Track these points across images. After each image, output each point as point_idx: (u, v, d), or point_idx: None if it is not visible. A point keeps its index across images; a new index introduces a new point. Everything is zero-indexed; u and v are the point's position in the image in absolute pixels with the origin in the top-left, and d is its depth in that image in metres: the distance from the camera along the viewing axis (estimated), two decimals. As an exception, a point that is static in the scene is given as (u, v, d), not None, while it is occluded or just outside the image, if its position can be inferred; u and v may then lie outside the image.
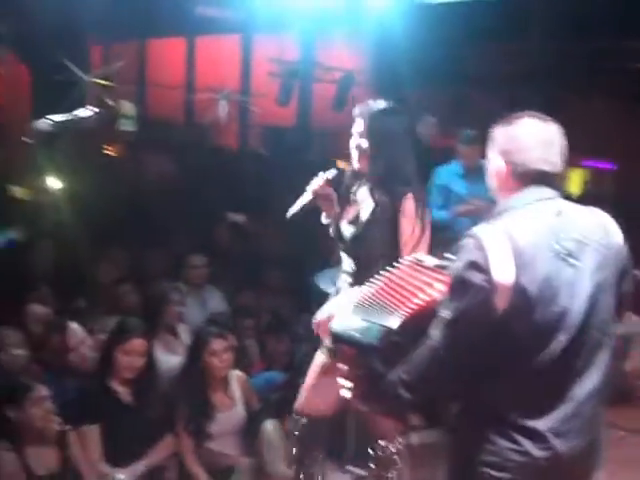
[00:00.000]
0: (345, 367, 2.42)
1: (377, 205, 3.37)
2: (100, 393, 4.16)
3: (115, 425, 4.10)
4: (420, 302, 2.32)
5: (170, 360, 4.80)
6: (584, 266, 2.28)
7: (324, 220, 3.62)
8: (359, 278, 3.35)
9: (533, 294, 2.20)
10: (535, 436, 2.23)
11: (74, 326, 4.51)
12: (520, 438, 2.23)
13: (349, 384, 2.42)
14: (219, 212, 7.91)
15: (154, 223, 7.17)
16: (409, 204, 3.33)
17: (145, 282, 5.98)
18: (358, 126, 3.44)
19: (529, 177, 2.35)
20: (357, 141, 3.44)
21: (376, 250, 3.34)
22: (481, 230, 2.27)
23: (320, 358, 3.54)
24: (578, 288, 2.26)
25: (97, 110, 2.99)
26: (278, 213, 3.90)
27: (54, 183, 5.36)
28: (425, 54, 8.99)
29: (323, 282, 4.99)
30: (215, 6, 9.43)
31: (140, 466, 4.15)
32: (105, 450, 4.10)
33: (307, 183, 3.56)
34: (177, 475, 4.33)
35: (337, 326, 2.47)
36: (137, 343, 4.25)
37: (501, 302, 2.17)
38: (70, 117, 3.00)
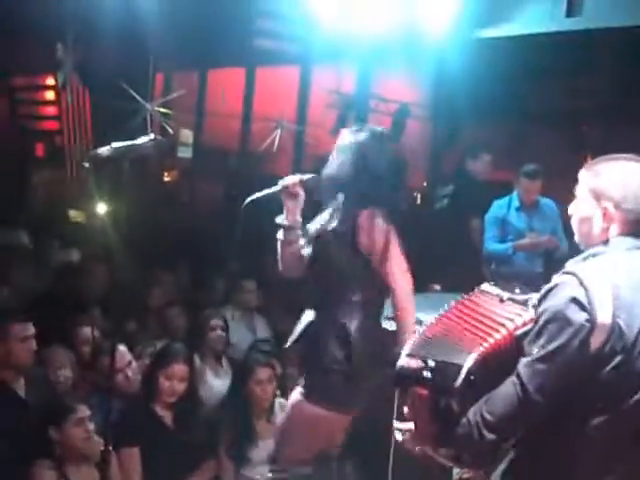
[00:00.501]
0: (415, 410, 2.29)
1: (335, 218, 3.47)
2: (143, 415, 4.19)
3: (156, 447, 4.12)
4: (500, 338, 2.22)
5: (217, 385, 4.81)
6: None
7: (277, 219, 3.61)
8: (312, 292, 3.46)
9: (630, 339, 2.14)
10: None
11: (122, 348, 4.55)
12: None
13: (414, 427, 2.31)
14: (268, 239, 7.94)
15: (206, 249, 7.24)
16: (367, 219, 3.43)
17: (194, 307, 6.03)
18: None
19: (632, 223, 2.29)
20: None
21: (332, 264, 3.44)
22: (579, 268, 2.22)
23: (295, 397, 3.53)
24: None
25: (155, 137, 3.04)
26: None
27: (109, 207, 5.45)
28: (483, 89, 8.95)
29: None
30: (275, 38, 9.55)
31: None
32: (145, 472, 4.12)
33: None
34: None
35: (405, 364, 2.30)
36: (178, 369, 4.29)
37: (597, 341, 2.12)
38: (130, 144, 3.06)
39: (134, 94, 6.57)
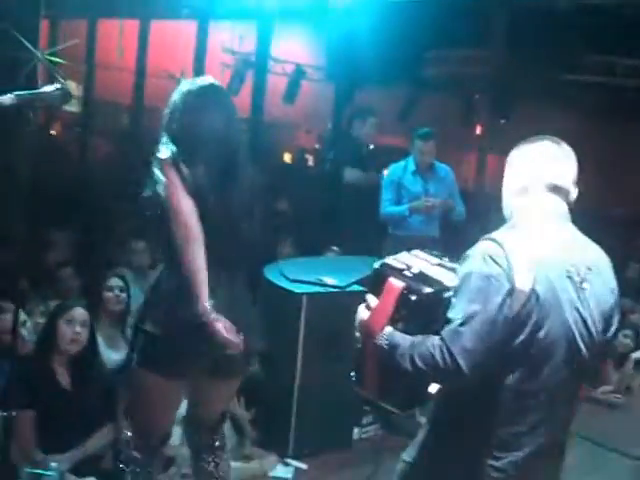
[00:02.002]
0: (382, 300, 2.37)
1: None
2: (37, 376, 4.01)
3: (51, 410, 3.96)
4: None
5: (112, 356, 4.65)
6: (590, 294, 2.30)
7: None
8: None
9: (545, 305, 2.21)
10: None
11: (12, 307, 4.35)
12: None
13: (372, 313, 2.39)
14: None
15: (96, 207, 7.03)
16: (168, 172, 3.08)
17: (87, 267, 5.84)
18: None
19: (542, 189, 2.40)
20: None
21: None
22: (499, 236, 2.28)
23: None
24: (583, 313, 2.29)
25: (62, 86, 2.84)
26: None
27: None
28: (381, 52, 8.97)
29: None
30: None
31: (76, 454, 4.01)
32: (40, 436, 3.96)
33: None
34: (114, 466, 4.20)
35: (390, 262, 2.45)
36: (79, 313, 4.13)
37: (515, 305, 2.17)
38: (36, 92, 2.86)
39: (24, 41, 6.22)
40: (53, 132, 11.44)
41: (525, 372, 2.24)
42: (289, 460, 4.66)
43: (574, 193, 2.44)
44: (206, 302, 3.02)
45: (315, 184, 8.86)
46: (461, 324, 2.17)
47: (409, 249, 2.59)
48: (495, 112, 9.91)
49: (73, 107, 10.30)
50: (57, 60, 6.56)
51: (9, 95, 2.87)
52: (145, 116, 10.13)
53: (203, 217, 3.08)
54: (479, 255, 2.24)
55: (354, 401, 4.29)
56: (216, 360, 3.20)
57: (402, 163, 6.60)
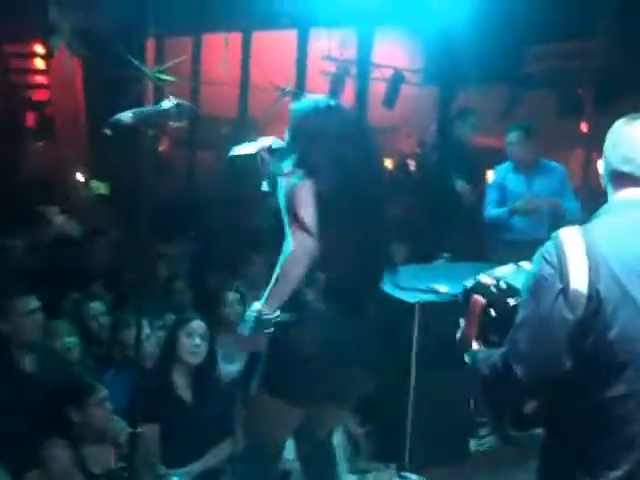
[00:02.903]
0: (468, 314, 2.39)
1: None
2: (159, 390, 4.10)
3: (173, 423, 4.04)
4: None
5: (230, 368, 4.71)
6: None
7: (264, 187, 3.46)
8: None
9: (611, 303, 2.05)
10: None
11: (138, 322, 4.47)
12: None
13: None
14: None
15: (210, 222, 7.13)
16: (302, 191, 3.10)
17: (200, 281, 5.93)
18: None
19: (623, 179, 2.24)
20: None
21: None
22: (571, 231, 2.15)
23: None
24: None
25: (179, 102, 2.88)
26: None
27: (115, 179, 5.32)
28: (481, 51, 8.83)
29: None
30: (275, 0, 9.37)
31: (197, 467, 4.09)
32: (161, 450, 4.05)
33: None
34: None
35: (482, 280, 2.44)
36: (198, 325, 4.24)
37: (574, 306, 2.05)
38: (153, 109, 2.90)
39: (135, 61, 6.38)
40: (162, 148, 11.70)
41: (606, 376, 2.08)
42: (405, 473, 4.61)
43: None
44: None
45: (419, 189, 8.78)
46: (516, 329, 2.13)
47: (518, 256, 2.52)
48: (600, 107, 9.61)
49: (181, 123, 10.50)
50: (166, 78, 6.70)
51: (128, 112, 2.93)
52: (251, 128, 10.26)
53: (335, 232, 3.09)
54: (537, 255, 2.16)
55: (470, 412, 4.22)
56: (338, 387, 3.20)
57: (507, 163, 6.37)
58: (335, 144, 3.18)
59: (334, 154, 3.16)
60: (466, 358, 2.35)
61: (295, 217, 3.04)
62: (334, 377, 3.13)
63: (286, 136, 3.34)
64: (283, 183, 3.14)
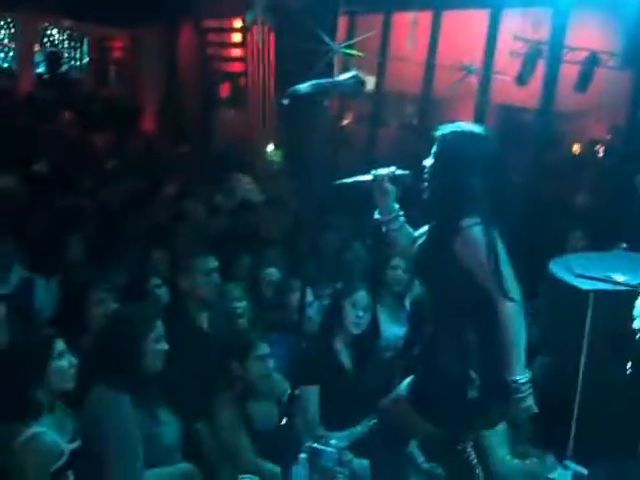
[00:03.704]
0: None
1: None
2: (321, 355, 4.21)
3: (333, 388, 4.15)
4: None
5: (396, 331, 4.76)
6: None
7: (376, 215, 3.43)
8: None
9: None
10: None
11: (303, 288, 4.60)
12: None
13: None
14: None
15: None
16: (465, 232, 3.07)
17: (371, 251, 5.99)
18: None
19: None
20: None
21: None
22: None
23: None
24: None
25: (356, 74, 2.91)
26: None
27: (293, 148, 5.47)
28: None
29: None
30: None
31: (355, 433, 4.16)
32: (322, 413, 4.15)
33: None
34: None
35: None
36: (362, 295, 4.31)
37: None
38: (331, 80, 2.97)
39: (322, 35, 6.51)
40: (345, 122, 11.83)
41: None
42: (568, 463, 4.49)
43: None
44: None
45: (606, 176, 8.44)
46: None
47: None
48: None
49: (366, 99, 10.60)
50: (352, 52, 6.80)
51: (306, 84, 2.99)
52: (434, 107, 10.21)
53: None
54: None
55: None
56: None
57: None
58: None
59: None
60: None
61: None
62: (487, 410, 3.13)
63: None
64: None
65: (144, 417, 3.52)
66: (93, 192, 7.29)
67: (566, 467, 4.45)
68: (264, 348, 4.00)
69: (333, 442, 3.90)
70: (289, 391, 3.54)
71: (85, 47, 16.11)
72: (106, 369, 3.46)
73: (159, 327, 3.62)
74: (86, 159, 9.26)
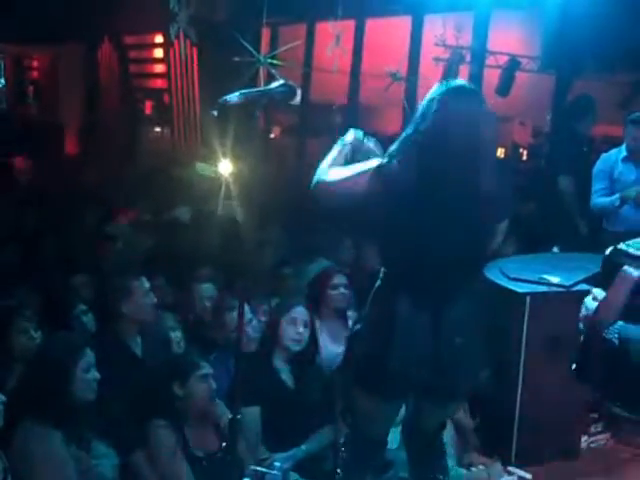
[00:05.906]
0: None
1: None
2: (260, 374, 4.11)
3: (274, 408, 4.04)
4: None
5: (335, 350, 4.68)
6: None
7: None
8: None
9: None
10: None
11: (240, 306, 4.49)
12: None
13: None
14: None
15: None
16: None
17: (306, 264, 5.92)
18: None
19: None
20: None
21: None
22: None
23: None
24: None
25: (285, 82, 2.83)
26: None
27: (228, 162, 5.35)
28: (601, 38, 8.49)
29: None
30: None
31: (298, 453, 4.07)
32: (263, 434, 4.05)
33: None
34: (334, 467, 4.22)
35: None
36: (300, 311, 4.24)
37: None
38: (261, 89, 2.90)
39: (248, 47, 6.44)
40: (273, 135, 11.78)
41: None
42: (512, 469, 4.47)
43: None
44: None
45: (530, 180, 8.54)
46: None
47: None
48: None
49: (291, 109, 10.56)
50: (277, 63, 6.75)
51: (236, 93, 2.91)
52: (362, 115, 10.21)
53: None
54: None
55: (581, 407, 4.04)
56: (438, 384, 3.12)
57: (614, 151, 6.21)
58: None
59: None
60: (610, 334, 2.16)
61: None
62: (420, 371, 3.04)
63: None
64: None
65: (77, 452, 3.36)
66: (8, 215, 7.08)
67: (510, 473, 4.43)
68: (207, 368, 3.89)
69: (277, 464, 3.80)
70: (228, 413, 3.45)
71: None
72: (33, 403, 3.30)
73: (89, 355, 3.48)
74: (2, 182, 9.04)
